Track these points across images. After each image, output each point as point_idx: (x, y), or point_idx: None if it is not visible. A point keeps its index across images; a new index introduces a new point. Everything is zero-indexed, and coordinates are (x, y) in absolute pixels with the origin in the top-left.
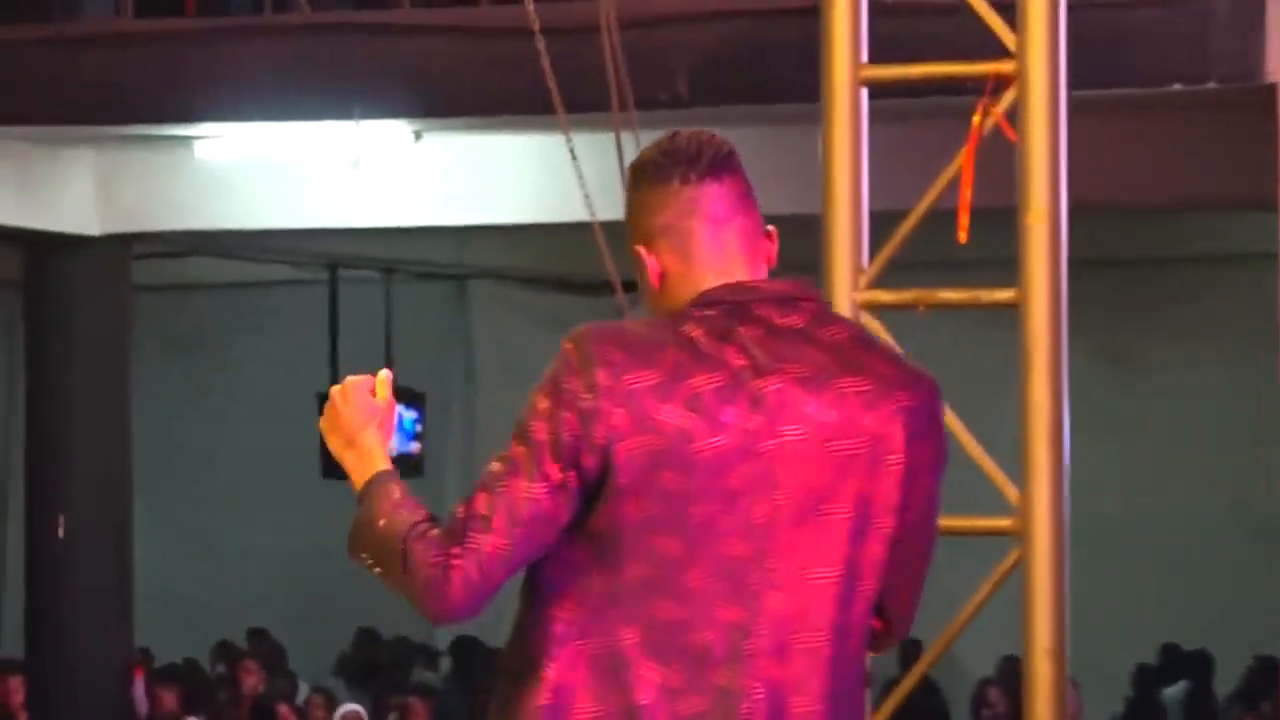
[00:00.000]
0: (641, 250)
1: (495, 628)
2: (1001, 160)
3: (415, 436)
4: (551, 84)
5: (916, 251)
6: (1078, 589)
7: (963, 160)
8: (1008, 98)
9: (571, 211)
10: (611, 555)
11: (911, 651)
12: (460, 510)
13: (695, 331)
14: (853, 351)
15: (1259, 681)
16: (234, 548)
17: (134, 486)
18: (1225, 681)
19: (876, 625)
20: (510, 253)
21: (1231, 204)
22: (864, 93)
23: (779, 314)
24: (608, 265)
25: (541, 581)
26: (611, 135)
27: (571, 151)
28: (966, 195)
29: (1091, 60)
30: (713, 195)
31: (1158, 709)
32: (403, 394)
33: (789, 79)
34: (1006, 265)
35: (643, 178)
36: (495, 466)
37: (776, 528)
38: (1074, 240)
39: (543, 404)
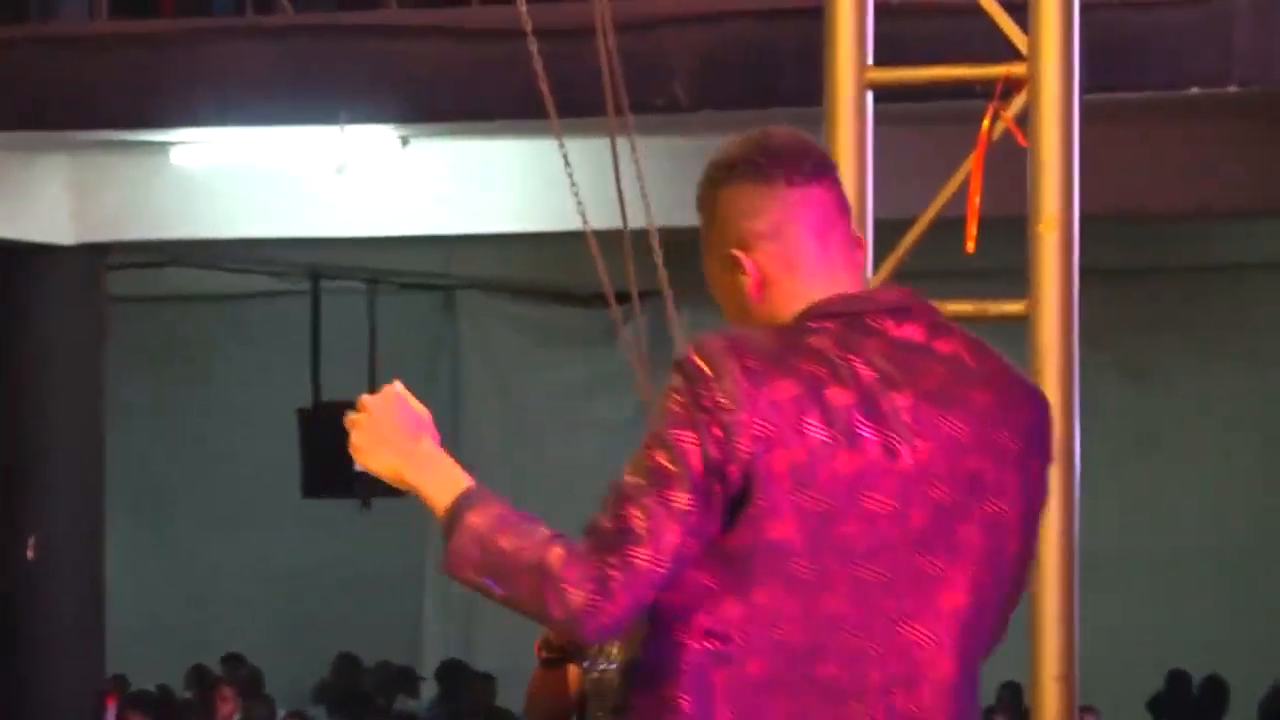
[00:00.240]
0: (739, 255)
1: (482, 651)
2: (1012, 167)
3: None
4: (544, 87)
5: (923, 261)
6: (1088, 611)
7: (971, 166)
8: (1018, 101)
9: (564, 220)
10: (743, 577)
11: None
12: (607, 523)
13: (820, 343)
14: (973, 362)
15: (1277, 708)
16: (212, 569)
17: (108, 506)
18: (1240, 711)
19: None
20: (500, 263)
21: (1251, 211)
22: (869, 96)
23: (895, 325)
24: (601, 276)
25: (667, 607)
26: (606, 141)
27: (565, 158)
28: (975, 203)
29: (1106, 63)
30: (818, 200)
31: None
32: None
33: (790, 82)
34: (1016, 276)
35: (736, 176)
36: (635, 480)
37: (910, 551)
38: (1086, 250)
39: (683, 413)
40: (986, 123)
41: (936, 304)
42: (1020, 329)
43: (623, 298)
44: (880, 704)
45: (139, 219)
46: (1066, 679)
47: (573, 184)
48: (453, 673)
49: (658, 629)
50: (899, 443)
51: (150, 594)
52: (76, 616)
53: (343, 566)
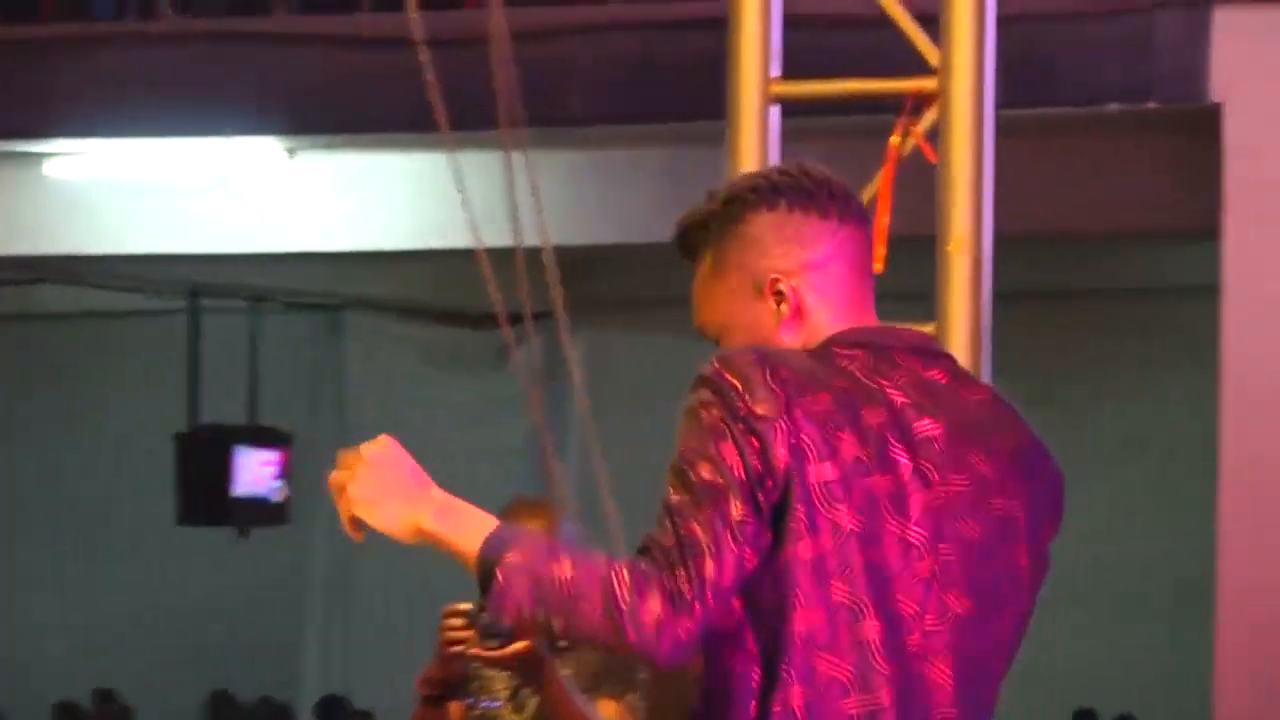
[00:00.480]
0: (782, 281)
1: (363, 688)
2: (922, 184)
3: (279, 481)
4: (435, 99)
5: None
6: None
7: (880, 184)
8: (929, 117)
9: (456, 237)
10: (780, 601)
11: None
12: (667, 540)
13: (850, 366)
14: (997, 412)
15: None
16: (82, 600)
17: None
18: None
19: None
20: (389, 282)
21: (1170, 233)
22: (774, 110)
23: (921, 365)
24: (494, 296)
25: (714, 636)
26: (500, 155)
27: (457, 172)
28: (883, 222)
29: (1021, 77)
30: (860, 241)
31: None
32: (267, 435)
33: (694, 95)
34: (925, 298)
35: (786, 201)
36: (684, 497)
37: (938, 587)
38: (998, 272)
39: (718, 425)
40: (896, 139)
41: None
42: None
43: (516, 319)
44: None
45: (8, 234)
46: None
47: (465, 200)
48: (331, 710)
49: (714, 658)
50: (932, 471)
51: (17, 626)
52: None
53: (219, 598)
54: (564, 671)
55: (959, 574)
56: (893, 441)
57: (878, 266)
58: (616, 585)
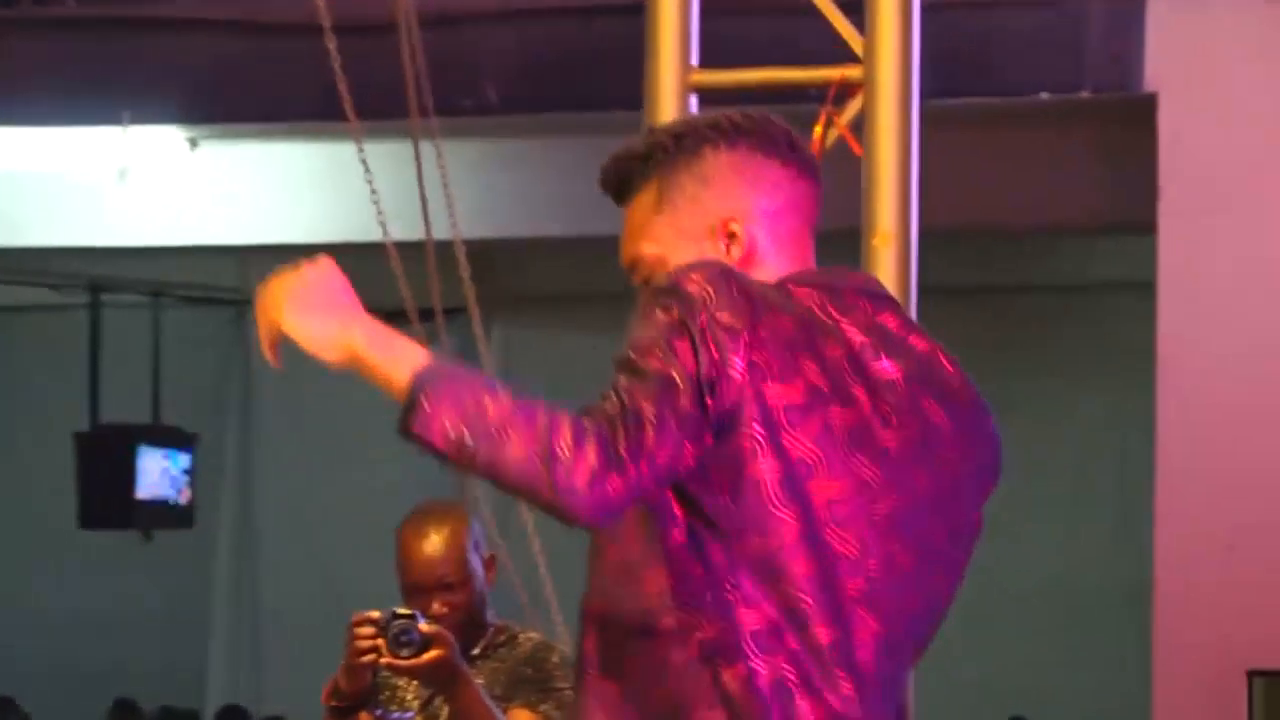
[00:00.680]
0: (736, 223)
1: (270, 696)
2: (846, 176)
3: (184, 483)
4: (343, 87)
5: None
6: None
7: None
8: (853, 107)
9: (364, 230)
10: (731, 522)
11: None
12: (610, 406)
13: (806, 301)
14: (944, 365)
15: None
16: None
17: None
18: None
19: None
20: None
21: (1104, 227)
22: (693, 100)
23: (872, 308)
24: (403, 291)
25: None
26: (410, 145)
27: (364, 163)
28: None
29: (949, 66)
30: (814, 197)
31: None
32: (171, 435)
33: (610, 84)
34: None
35: (749, 143)
36: (630, 380)
37: (883, 533)
38: (926, 266)
39: (678, 323)
40: (819, 130)
41: None
42: None
43: (427, 314)
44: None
45: None
46: None
47: (373, 191)
48: (235, 719)
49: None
50: (890, 414)
51: None
52: None
53: (122, 603)
54: (477, 680)
55: (906, 524)
56: (852, 377)
57: None
58: (553, 429)
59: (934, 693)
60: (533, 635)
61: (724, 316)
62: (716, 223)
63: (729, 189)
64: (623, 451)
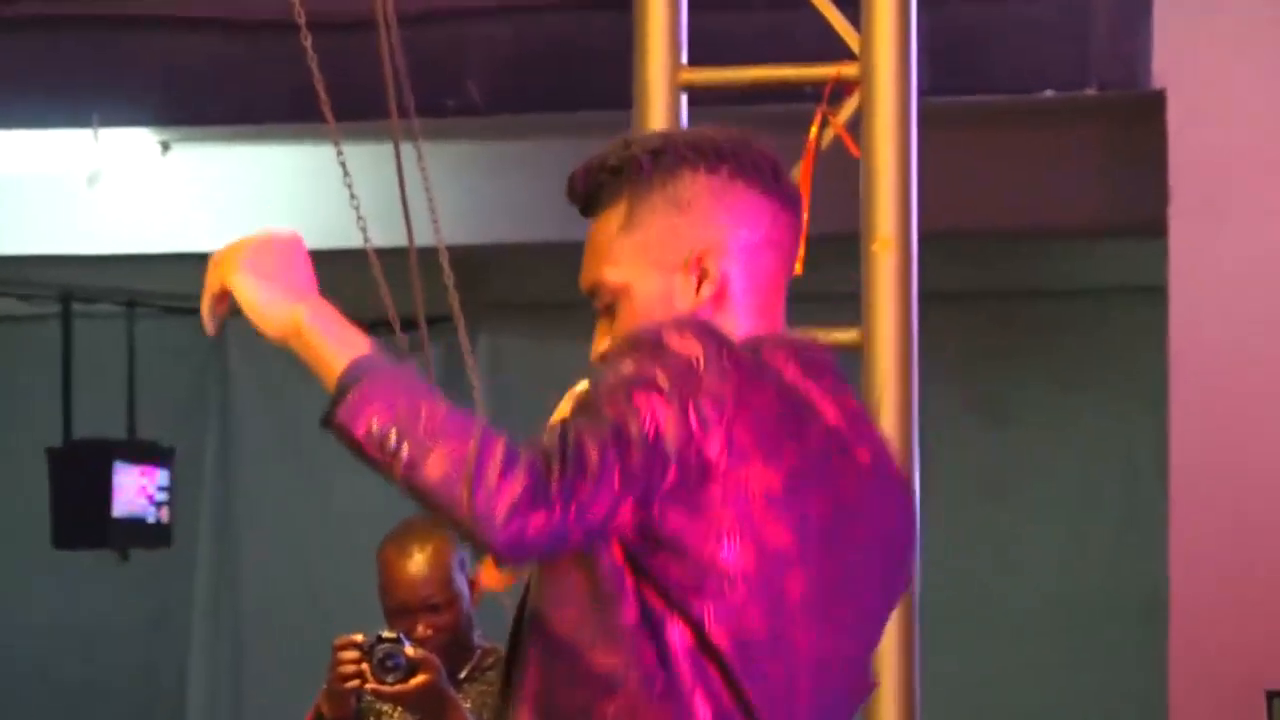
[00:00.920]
0: (710, 258)
1: (239, 715)
2: (844, 178)
3: (161, 500)
4: (320, 88)
5: None
6: (938, 668)
7: (799, 178)
8: (850, 106)
9: (345, 236)
10: (693, 607)
11: None
12: (552, 442)
13: (785, 371)
14: (879, 431)
15: None
16: None
17: None
18: None
19: None
20: None
21: (1111, 229)
22: (683, 99)
23: (833, 380)
24: (385, 300)
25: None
26: (390, 148)
27: (343, 166)
28: (802, 219)
29: (949, 63)
30: (796, 232)
31: None
32: (147, 450)
33: (598, 83)
34: (849, 300)
35: (734, 172)
36: (583, 421)
37: (848, 633)
38: (927, 271)
39: (653, 379)
40: (814, 130)
41: None
42: (854, 358)
43: (410, 323)
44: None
45: None
46: None
47: (353, 196)
48: None
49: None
50: (860, 500)
51: None
52: None
53: (98, 624)
54: (465, 704)
55: (861, 616)
56: (832, 462)
57: (797, 268)
58: (485, 449)
59: (938, 711)
60: None
61: (712, 385)
62: (689, 254)
63: (706, 217)
64: (553, 490)
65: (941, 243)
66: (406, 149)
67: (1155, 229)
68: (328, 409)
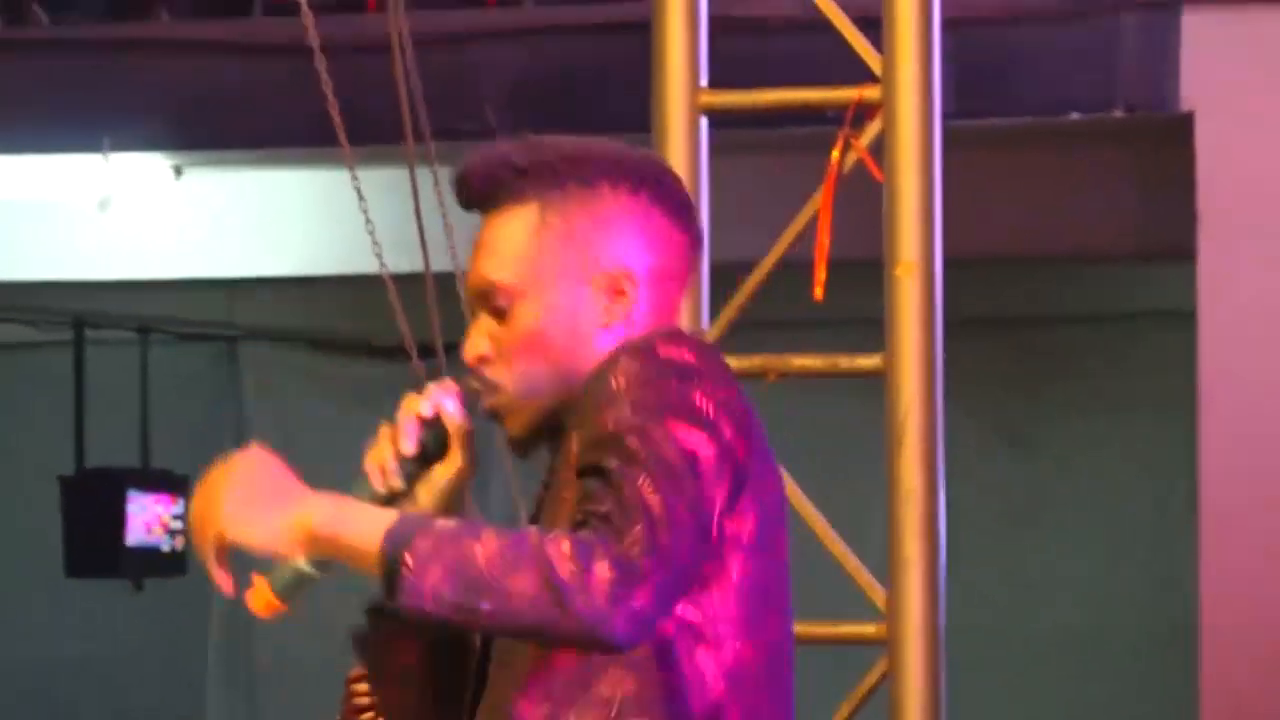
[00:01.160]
0: (627, 281)
1: None
2: (867, 203)
3: (175, 529)
4: (334, 112)
5: (765, 310)
6: (959, 706)
7: (820, 202)
8: (872, 129)
9: (360, 262)
10: (715, 625)
11: None
12: (608, 506)
13: None
14: None
15: None
16: None
17: None
18: None
19: None
20: (289, 310)
21: (1139, 254)
22: (703, 122)
23: None
24: (402, 325)
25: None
26: (406, 172)
27: (358, 191)
28: (824, 243)
29: (973, 85)
30: (695, 269)
31: None
32: (161, 478)
33: (616, 106)
34: (872, 326)
35: (648, 193)
36: (635, 469)
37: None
38: (951, 297)
39: (675, 396)
40: (836, 153)
41: (782, 358)
42: (876, 385)
43: (426, 350)
44: None
45: None
46: None
47: (368, 221)
48: None
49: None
50: (781, 509)
51: None
52: None
53: (114, 654)
54: None
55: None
56: (771, 460)
57: (818, 292)
58: (554, 555)
59: None
60: None
61: (726, 396)
62: (604, 274)
63: (623, 237)
64: (637, 558)
65: (965, 267)
66: (422, 173)
67: (1184, 253)
68: (385, 594)
